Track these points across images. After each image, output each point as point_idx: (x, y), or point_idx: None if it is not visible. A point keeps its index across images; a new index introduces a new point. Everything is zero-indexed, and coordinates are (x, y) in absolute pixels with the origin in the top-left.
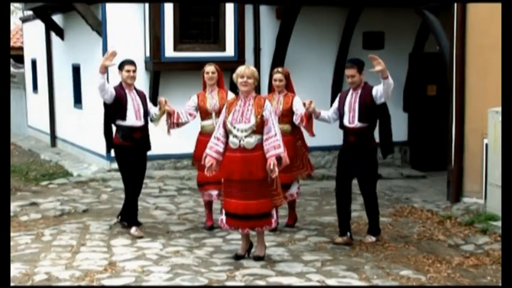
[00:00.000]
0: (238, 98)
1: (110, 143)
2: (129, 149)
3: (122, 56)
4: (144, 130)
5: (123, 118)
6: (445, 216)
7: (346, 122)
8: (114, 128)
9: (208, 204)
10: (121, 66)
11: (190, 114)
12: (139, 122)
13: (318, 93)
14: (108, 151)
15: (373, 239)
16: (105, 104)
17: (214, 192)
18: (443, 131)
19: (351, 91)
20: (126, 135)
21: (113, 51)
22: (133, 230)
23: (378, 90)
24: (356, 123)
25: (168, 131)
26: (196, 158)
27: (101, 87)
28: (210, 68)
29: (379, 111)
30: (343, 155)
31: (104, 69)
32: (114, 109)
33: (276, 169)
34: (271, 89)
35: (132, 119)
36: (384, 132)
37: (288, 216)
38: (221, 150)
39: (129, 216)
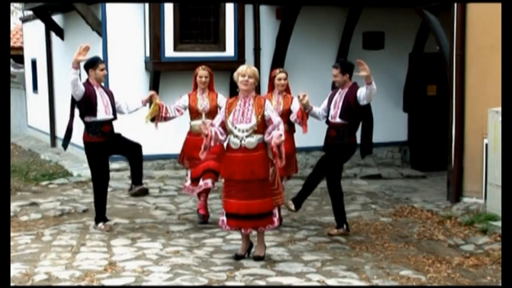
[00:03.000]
0: (238, 97)
1: (69, 139)
2: (102, 145)
3: (122, 56)
4: (112, 124)
5: (94, 113)
6: (445, 216)
7: (329, 117)
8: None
9: (205, 193)
10: (94, 65)
11: (178, 111)
12: (109, 116)
13: (318, 93)
14: (65, 148)
15: (335, 231)
16: (73, 100)
17: (209, 181)
18: (443, 131)
19: (339, 90)
20: (96, 130)
21: (86, 46)
22: (100, 225)
23: (361, 92)
24: (337, 119)
25: (156, 125)
26: (186, 155)
27: (74, 82)
28: (203, 73)
29: (363, 111)
30: (325, 148)
31: (77, 65)
32: (84, 105)
33: (283, 138)
34: (270, 88)
35: (102, 113)
36: (364, 133)
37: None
38: (222, 138)
39: (97, 212)
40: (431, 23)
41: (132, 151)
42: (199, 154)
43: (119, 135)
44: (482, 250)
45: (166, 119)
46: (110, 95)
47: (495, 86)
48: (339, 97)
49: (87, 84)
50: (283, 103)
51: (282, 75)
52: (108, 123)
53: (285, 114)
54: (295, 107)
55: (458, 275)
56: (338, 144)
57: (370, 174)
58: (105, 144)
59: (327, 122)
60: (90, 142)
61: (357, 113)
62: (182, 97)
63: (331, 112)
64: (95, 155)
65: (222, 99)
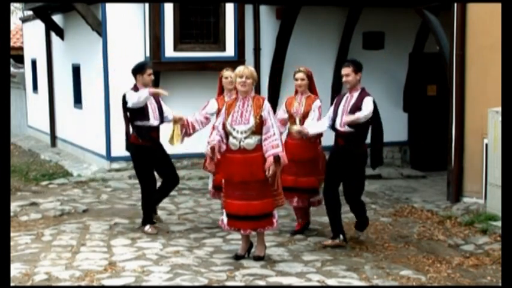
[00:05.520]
0: (237, 98)
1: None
2: (149, 150)
3: (122, 56)
4: (159, 131)
5: (146, 118)
6: (445, 216)
7: (337, 125)
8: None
9: None
10: (142, 70)
11: (206, 118)
12: (157, 122)
13: (318, 93)
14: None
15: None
16: (124, 106)
17: None
18: (443, 131)
19: (346, 95)
20: (145, 135)
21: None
22: (147, 227)
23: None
24: (346, 128)
25: (182, 140)
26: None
27: (145, 100)
28: (229, 73)
29: (373, 120)
30: (332, 158)
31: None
32: (136, 110)
33: (273, 168)
34: (296, 90)
35: (152, 119)
36: (375, 142)
37: (301, 220)
38: (224, 147)
39: (144, 215)
40: (431, 23)
41: (169, 181)
42: (206, 164)
43: (163, 147)
44: (482, 250)
45: (192, 134)
46: (157, 100)
47: (495, 86)
48: (347, 104)
49: (135, 89)
50: (305, 104)
51: (299, 75)
52: (156, 129)
53: (308, 116)
54: (314, 117)
55: (458, 275)
56: (350, 155)
57: (370, 174)
58: (151, 150)
59: (334, 129)
60: (139, 146)
61: (366, 121)
62: (210, 103)
63: (339, 120)
64: (143, 159)
65: None
